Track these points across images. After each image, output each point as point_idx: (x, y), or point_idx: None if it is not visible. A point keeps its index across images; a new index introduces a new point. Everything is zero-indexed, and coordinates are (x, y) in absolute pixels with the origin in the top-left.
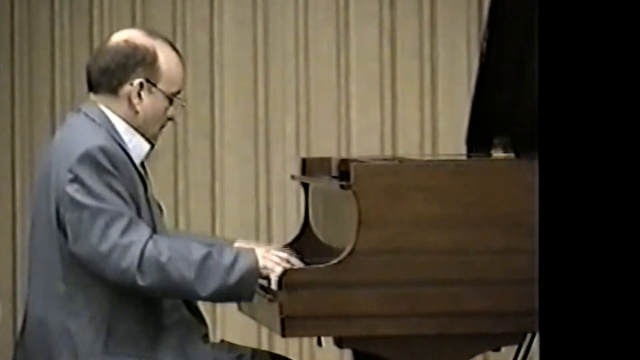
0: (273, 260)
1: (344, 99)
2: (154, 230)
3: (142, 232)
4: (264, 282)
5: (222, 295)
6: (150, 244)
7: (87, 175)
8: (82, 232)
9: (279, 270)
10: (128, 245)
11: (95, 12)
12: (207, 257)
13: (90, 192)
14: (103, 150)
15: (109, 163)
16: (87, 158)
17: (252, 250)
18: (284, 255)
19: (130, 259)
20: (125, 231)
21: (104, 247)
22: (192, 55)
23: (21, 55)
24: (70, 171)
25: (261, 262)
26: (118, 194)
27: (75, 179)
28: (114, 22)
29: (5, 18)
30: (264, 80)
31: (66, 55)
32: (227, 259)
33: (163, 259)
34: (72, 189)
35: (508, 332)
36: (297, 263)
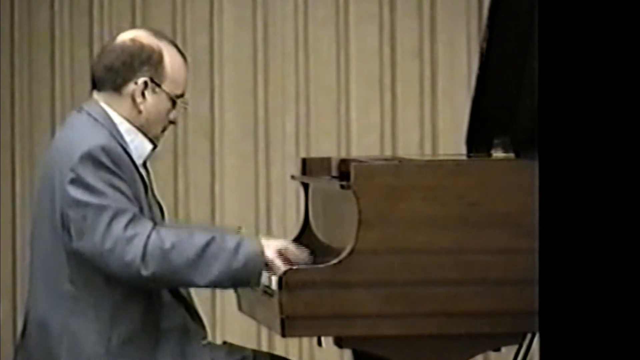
0: (291, 255)
1: (344, 99)
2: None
3: (145, 225)
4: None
5: (228, 278)
6: (153, 235)
7: (89, 174)
8: (86, 229)
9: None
10: (131, 237)
11: (95, 12)
12: (210, 241)
13: (92, 190)
14: (105, 149)
15: (110, 162)
16: (89, 157)
17: (256, 238)
18: (302, 255)
19: (134, 252)
20: (128, 225)
21: (108, 243)
22: (192, 55)
23: (21, 55)
24: (72, 170)
25: (270, 256)
26: (120, 191)
27: (77, 178)
28: (114, 22)
29: (5, 18)
30: (263, 80)
31: (66, 55)
32: (231, 242)
33: (166, 246)
34: (73, 189)
35: (508, 332)
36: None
